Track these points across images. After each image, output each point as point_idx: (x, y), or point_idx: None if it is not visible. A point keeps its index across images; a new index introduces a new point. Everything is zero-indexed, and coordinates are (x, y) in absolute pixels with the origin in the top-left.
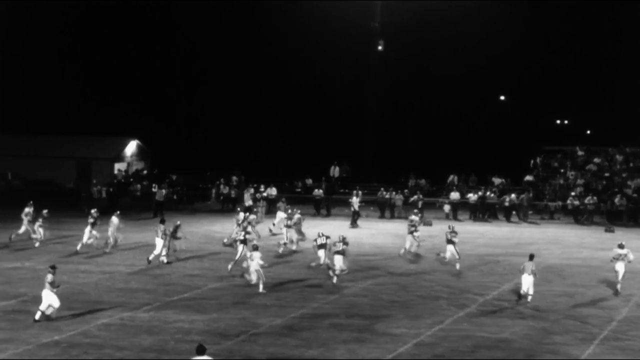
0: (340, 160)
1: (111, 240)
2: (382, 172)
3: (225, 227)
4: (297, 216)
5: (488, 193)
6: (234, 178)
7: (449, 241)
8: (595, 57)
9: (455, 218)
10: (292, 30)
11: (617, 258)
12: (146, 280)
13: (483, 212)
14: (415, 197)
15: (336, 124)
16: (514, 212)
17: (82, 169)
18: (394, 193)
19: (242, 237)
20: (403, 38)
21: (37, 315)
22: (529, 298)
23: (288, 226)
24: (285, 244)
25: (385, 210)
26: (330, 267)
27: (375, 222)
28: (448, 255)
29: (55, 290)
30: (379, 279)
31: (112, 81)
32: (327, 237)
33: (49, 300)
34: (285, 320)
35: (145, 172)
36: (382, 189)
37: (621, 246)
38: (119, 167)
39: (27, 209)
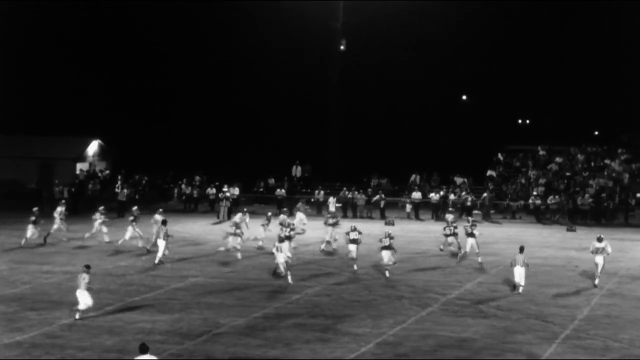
0: (302, 160)
1: (154, 237)
2: (344, 172)
3: (187, 228)
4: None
5: (463, 193)
6: (197, 178)
7: (470, 234)
8: (558, 56)
9: (417, 217)
10: (254, 29)
11: (596, 251)
12: (108, 280)
13: (445, 211)
14: (377, 196)
15: (298, 123)
16: (475, 211)
17: (44, 169)
18: (356, 193)
19: (287, 234)
20: (365, 38)
21: (77, 315)
22: (521, 289)
23: (330, 225)
24: (328, 242)
25: (348, 209)
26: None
27: None
28: (468, 248)
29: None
30: (342, 279)
31: (74, 80)
32: (360, 233)
33: (85, 299)
34: (247, 320)
35: (107, 171)
36: (344, 188)
37: (600, 240)
38: (81, 167)
39: (59, 208)
